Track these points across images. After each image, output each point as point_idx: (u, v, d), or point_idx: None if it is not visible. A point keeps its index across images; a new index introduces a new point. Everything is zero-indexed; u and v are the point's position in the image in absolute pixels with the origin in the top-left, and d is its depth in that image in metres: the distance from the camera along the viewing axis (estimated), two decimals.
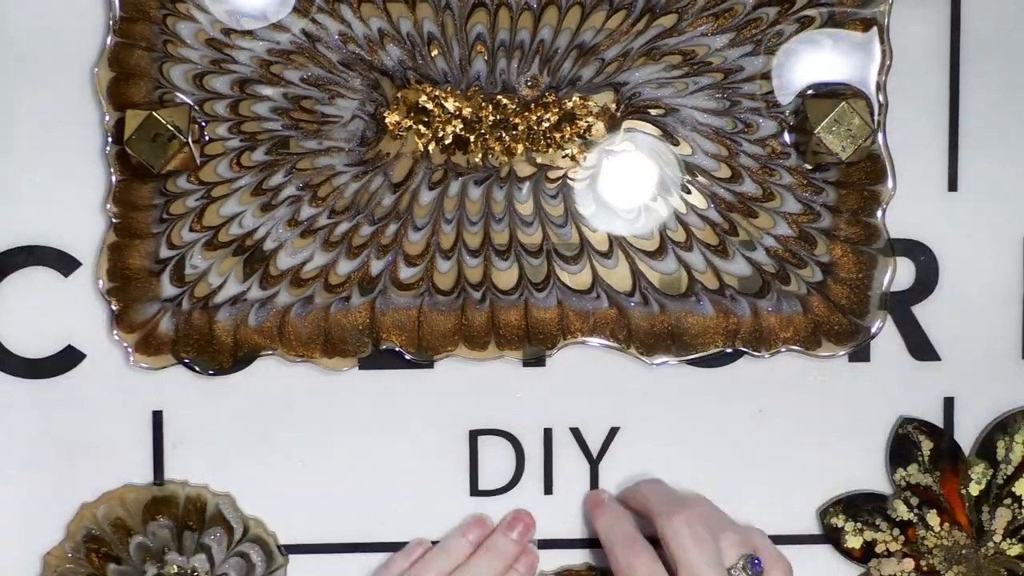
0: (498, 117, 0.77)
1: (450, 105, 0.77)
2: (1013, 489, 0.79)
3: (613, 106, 0.77)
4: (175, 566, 0.78)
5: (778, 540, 0.77)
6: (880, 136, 0.77)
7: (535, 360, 0.79)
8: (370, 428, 0.79)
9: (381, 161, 0.77)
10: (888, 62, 0.77)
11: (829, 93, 0.77)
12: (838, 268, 0.78)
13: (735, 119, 0.78)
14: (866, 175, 0.78)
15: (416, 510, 0.79)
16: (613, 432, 0.80)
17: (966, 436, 0.80)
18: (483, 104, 0.77)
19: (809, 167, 0.78)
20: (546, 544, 0.80)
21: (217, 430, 0.79)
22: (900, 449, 0.80)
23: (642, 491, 0.77)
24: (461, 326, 0.78)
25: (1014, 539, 0.80)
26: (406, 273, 0.78)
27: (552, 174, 0.78)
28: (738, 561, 0.72)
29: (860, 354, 0.79)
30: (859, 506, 0.80)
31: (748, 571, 0.72)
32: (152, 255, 0.77)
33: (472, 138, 0.77)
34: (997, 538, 0.80)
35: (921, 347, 0.80)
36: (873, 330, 0.78)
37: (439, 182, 0.77)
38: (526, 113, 0.77)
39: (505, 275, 0.78)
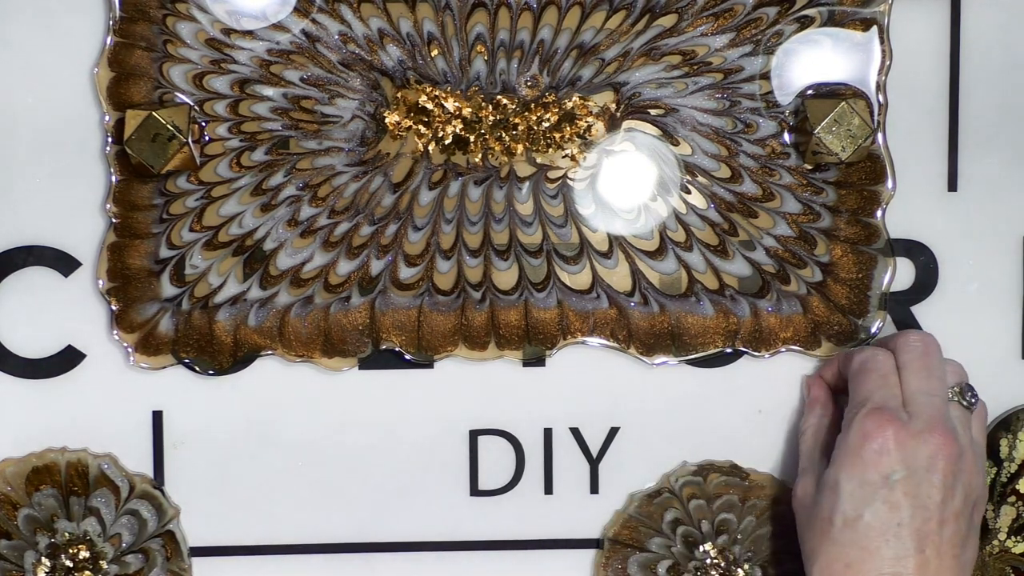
0: (498, 117, 0.77)
1: (450, 105, 0.77)
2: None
3: (613, 106, 0.77)
4: (66, 533, 0.77)
5: None
6: (880, 136, 0.77)
7: (535, 360, 0.79)
8: (370, 428, 0.79)
9: (381, 161, 0.77)
10: (888, 62, 0.77)
11: (829, 93, 0.77)
12: (838, 268, 0.78)
13: (735, 119, 0.78)
14: (866, 175, 0.78)
15: (416, 510, 0.79)
16: (613, 432, 0.79)
17: None
18: (483, 104, 0.77)
19: (809, 167, 0.78)
20: (546, 544, 0.80)
21: (217, 430, 0.79)
22: None
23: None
24: (461, 326, 0.78)
25: (1019, 537, 0.79)
26: (406, 273, 0.78)
27: (552, 174, 0.78)
28: (955, 386, 0.73)
29: None
30: None
31: (964, 398, 0.73)
32: (152, 255, 0.77)
33: (472, 138, 0.77)
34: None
35: None
36: (873, 330, 0.78)
37: (439, 182, 0.77)
38: (526, 113, 0.77)
39: (505, 275, 0.78)
